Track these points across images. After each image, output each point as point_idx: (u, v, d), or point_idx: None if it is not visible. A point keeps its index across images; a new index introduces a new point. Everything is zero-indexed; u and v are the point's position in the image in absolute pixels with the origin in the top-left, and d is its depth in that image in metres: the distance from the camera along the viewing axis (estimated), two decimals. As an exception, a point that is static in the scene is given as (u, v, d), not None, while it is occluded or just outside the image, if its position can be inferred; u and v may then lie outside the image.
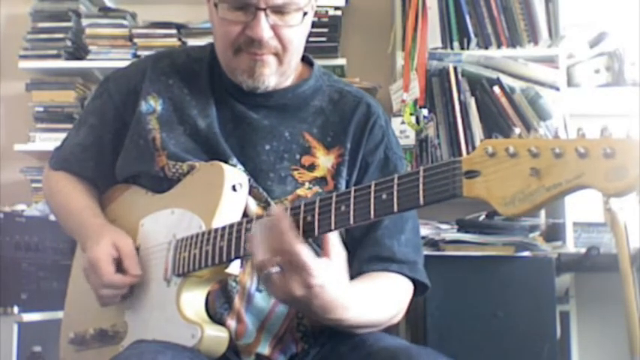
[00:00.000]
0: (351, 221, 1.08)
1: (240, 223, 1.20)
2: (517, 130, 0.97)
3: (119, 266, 1.30)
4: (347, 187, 1.35)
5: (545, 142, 0.91)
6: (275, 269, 1.09)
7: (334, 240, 1.11)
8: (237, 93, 1.38)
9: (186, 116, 1.39)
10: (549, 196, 0.90)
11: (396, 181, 1.04)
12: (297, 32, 1.32)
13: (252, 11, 1.28)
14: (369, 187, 1.07)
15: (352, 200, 1.08)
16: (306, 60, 1.45)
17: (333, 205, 1.10)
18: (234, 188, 1.26)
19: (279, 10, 1.28)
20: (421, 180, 1.01)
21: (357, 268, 1.32)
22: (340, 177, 1.35)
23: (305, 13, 1.31)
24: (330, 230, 1.11)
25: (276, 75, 1.35)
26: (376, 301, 1.26)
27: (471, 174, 0.96)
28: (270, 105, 1.39)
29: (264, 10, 1.27)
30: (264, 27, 1.28)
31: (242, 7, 1.29)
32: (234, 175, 1.28)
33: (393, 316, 1.31)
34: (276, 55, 1.32)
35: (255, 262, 1.11)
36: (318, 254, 1.18)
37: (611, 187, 0.86)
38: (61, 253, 2.52)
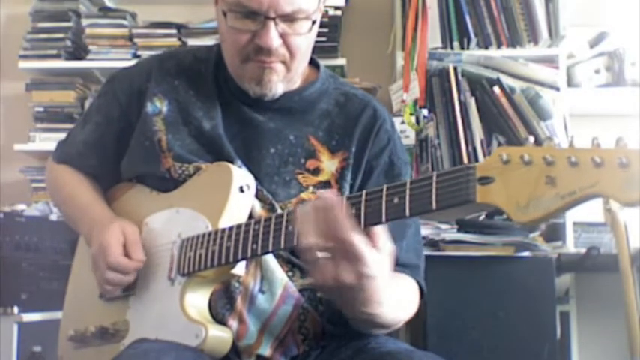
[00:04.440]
0: (362, 224, 1.07)
1: (247, 224, 1.20)
2: (531, 139, 0.97)
3: (125, 252, 1.30)
4: (351, 191, 1.34)
5: (561, 151, 0.91)
6: (324, 254, 1.06)
7: (383, 232, 1.08)
8: (243, 95, 1.38)
9: (191, 118, 1.38)
10: (563, 204, 0.90)
11: (408, 185, 1.04)
12: (305, 40, 1.32)
13: (262, 20, 1.27)
14: (381, 190, 1.06)
15: (363, 203, 1.07)
16: (312, 62, 1.45)
17: None
18: (241, 189, 1.26)
19: (288, 19, 1.28)
20: (434, 185, 1.01)
21: None
22: (344, 181, 1.34)
23: (314, 22, 1.30)
24: None
25: (283, 82, 1.34)
26: (401, 299, 1.24)
27: (485, 180, 0.96)
28: (276, 108, 1.38)
29: (274, 19, 1.27)
30: (273, 36, 1.27)
31: (251, 16, 1.28)
32: (242, 176, 1.28)
33: (405, 319, 1.29)
34: (284, 62, 1.32)
35: (304, 244, 1.07)
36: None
37: (626, 197, 0.86)
38: (61, 253, 2.52)
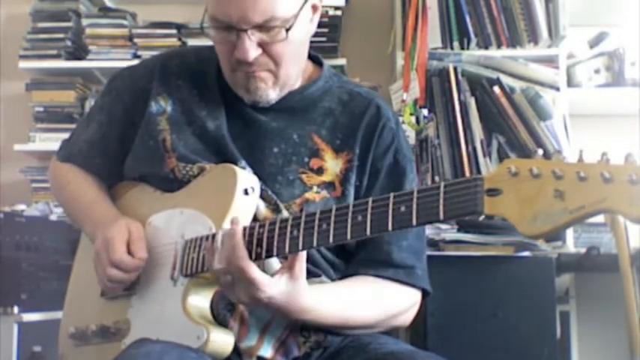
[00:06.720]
0: (368, 232, 1.08)
1: (252, 228, 1.20)
2: (540, 151, 0.98)
3: (128, 249, 1.30)
4: (357, 193, 1.34)
5: (570, 166, 0.92)
6: (229, 277, 1.18)
7: (302, 257, 1.16)
8: None
9: (195, 117, 1.38)
10: (572, 219, 0.91)
11: (415, 194, 1.04)
12: (287, 45, 1.30)
13: (236, 33, 1.27)
14: (388, 198, 1.06)
15: (369, 211, 1.07)
16: (315, 60, 1.45)
17: (350, 215, 1.09)
18: (246, 192, 1.26)
19: (263, 29, 1.27)
20: (442, 195, 1.01)
21: (353, 269, 1.33)
22: (348, 183, 1.34)
23: (288, 29, 1.28)
24: (346, 240, 1.11)
25: (274, 89, 1.34)
26: (350, 303, 1.28)
27: (493, 192, 0.97)
28: (279, 107, 1.38)
29: (246, 30, 1.26)
30: (248, 48, 1.27)
31: (228, 29, 1.28)
32: (247, 178, 1.28)
33: (384, 320, 1.31)
34: (270, 71, 1.32)
35: (211, 269, 1.20)
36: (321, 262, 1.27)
37: (635, 213, 0.87)
38: (61, 253, 2.52)
